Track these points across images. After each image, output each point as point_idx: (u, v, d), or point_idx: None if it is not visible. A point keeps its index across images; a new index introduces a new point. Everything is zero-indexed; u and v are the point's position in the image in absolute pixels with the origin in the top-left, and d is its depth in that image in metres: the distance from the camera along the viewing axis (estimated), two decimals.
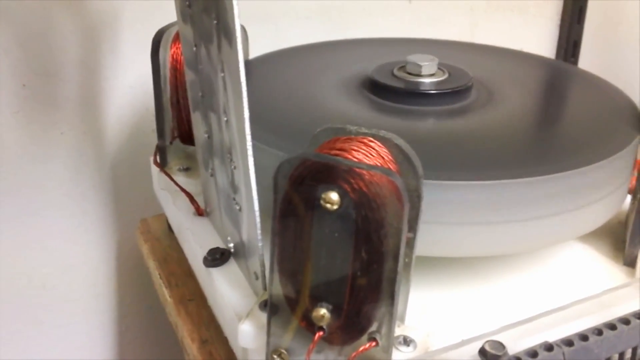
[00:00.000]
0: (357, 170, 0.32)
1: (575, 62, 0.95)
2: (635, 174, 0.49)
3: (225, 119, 0.40)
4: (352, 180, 0.32)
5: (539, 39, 0.94)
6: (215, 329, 0.49)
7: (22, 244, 0.70)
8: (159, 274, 0.57)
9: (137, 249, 0.67)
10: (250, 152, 0.37)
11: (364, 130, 0.35)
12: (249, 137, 0.37)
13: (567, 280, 0.44)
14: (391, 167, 0.35)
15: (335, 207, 0.32)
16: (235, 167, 0.41)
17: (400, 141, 0.35)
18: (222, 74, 0.39)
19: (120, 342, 0.80)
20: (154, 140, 0.57)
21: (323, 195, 0.32)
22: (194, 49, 0.43)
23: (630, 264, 0.46)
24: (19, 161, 0.67)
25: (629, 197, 0.49)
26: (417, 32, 0.82)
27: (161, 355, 0.82)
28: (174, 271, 0.57)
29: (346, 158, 0.34)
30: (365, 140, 0.35)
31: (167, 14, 0.53)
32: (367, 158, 0.34)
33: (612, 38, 0.93)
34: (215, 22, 0.38)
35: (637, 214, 0.45)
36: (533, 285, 0.44)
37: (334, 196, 0.32)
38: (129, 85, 0.70)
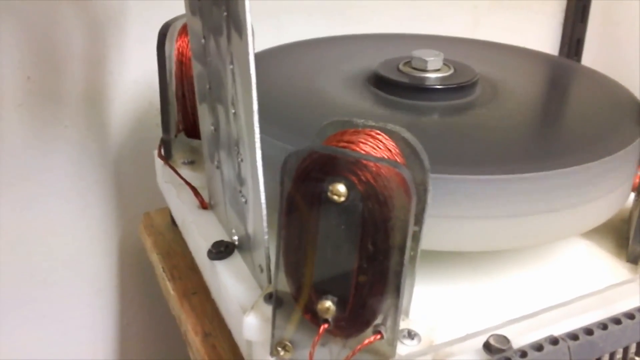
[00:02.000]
0: (365, 162, 0.32)
1: (579, 61, 0.95)
2: (639, 172, 0.49)
3: (233, 111, 0.40)
4: (360, 172, 0.32)
5: (542, 37, 0.94)
6: (219, 322, 0.49)
7: (24, 238, 0.70)
8: (162, 267, 0.57)
9: (140, 243, 0.67)
10: (258, 144, 0.37)
11: (371, 123, 0.36)
12: (257, 129, 0.37)
13: (570, 276, 0.45)
14: (398, 160, 0.35)
15: (342, 199, 0.32)
16: (242, 160, 0.41)
17: (407, 134, 0.35)
18: (231, 66, 0.39)
19: (123, 336, 0.80)
20: (157, 134, 0.58)
21: (330, 187, 0.32)
22: (203, 41, 0.43)
23: (633, 260, 0.46)
24: (22, 154, 0.67)
25: (632, 195, 0.49)
26: (419, 29, 0.82)
27: (163, 350, 0.82)
28: (177, 264, 0.57)
29: (353, 150, 0.34)
30: (372, 133, 0.35)
31: (172, 8, 0.54)
32: (374, 151, 0.34)
33: (616, 37, 0.93)
34: (225, 14, 0.38)
35: None
36: (537, 280, 0.44)
37: (341, 188, 0.32)
38: (132, 80, 0.69)
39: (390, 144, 0.35)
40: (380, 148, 0.35)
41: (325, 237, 0.33)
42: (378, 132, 0.35)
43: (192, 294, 0.53)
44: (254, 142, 0.37)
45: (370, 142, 0.35)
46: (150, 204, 0.69)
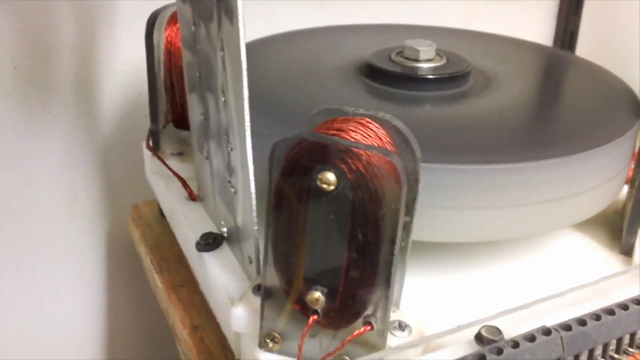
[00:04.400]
0: (355, 150, 0.31)
1: (572, 53, 0.95)
2: (632, 165, 0.48)
3: (223, 99, 0.40)
4: (350, 161, 0.31)
5: (536, 29, 0.94)
6: (207, 315, 0.48)
7: (11, 230, 0.69)
8: (150, 260, 0.56)
9: (128, 236, 0.66)
10: (248, 132, 0.37)
11: (361, 111, 0.35)
12: (247, 117, 0.36)
13: (564, 267, 0.44)
14: (389, 148, 0.34)
15: (331, 187, 0.32)
16: (231, 149, 0.40)
17: (398, 123, 0.35)
18: (222, 53, 0.38)
19: (110, 329, 0.79)
20: (146, 125, 0.57)
21: (319, 176, 0.32)
22: (193, 28, 0.42)
23: (627, 252, 0.46)
24: (8, 144, 0.66)
25: (626, 187, 0.49)
26: (413, 20, 0.81)
27: (151, 343, 0.82)
28: (166, 257, 0.56)
29: (343, 138, 0.33)
30: (362, 121, 0.35)
31: None
32: (364, 139, 0.34)
33: (610, 30, 0.93)
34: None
35: (635, 202, 0.44)
36: (529, 272, 0.44)
37: (330, 176, 0.31)
38: (121, 70, 0.69)
39: (381, 132, 0.35)
40: (370, 136, 0.34)
41: (315, 227, 0.33)
42: (369, 120, 0.35)
43: (180, 287, 0.52)
44: (244, 130, 0.37)
45: (361, 130, 0.34)
46: (139, 195, 0.68)
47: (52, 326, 0.75)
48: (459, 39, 0.64)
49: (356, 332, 0.34)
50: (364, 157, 0.31)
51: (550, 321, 0.35)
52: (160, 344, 0.81)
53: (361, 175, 0.31)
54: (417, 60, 0.51)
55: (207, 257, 0.44)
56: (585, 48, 0.94)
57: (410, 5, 0.83)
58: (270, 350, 0.36)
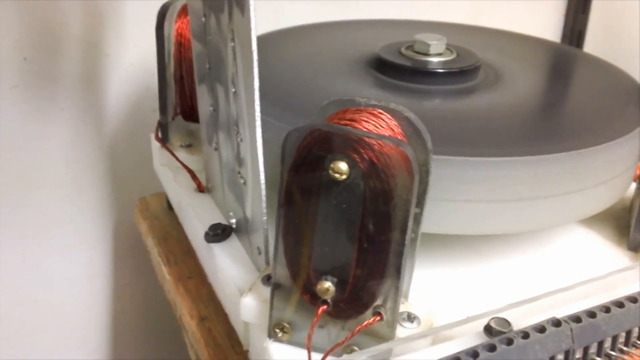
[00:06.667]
0: (367, 140, 0.31)
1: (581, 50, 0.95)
2: None
3: (233, 90, 0.40)
4: (362, 150, 0.31)
5: (544, 28, 0.94)
6: (215, 307, 0.48)
7: (17, 222, 0.69)
8: (158, 252, 0.56)
9: (134, 229, 0.66)
10: (258, 122, 0.37)
11: (373, 102, 0.35)
12: (257, 107, 0.36)
13: (572, 262, 0.44)
14: (401, 139, 0.34)
15: (343, 177, 0.32)
16: (241, 140, 0.40)
17: (410, 114, 0.35)
18: (232, 44, 0.38)
19: (116, 322, 0.79)
20: (154, 119, 0.57)
21: (331, 165, 0.32)
22: (203, 19, 0.43)
23: (634, 248, 0.46)
24: (16, 136, 0.66)
25: (634, 184, 0.49)
26: (419, 18, 0.81)
27: (158, 336, 0.82)
28: (173, 249, 0.56)
29: (356, 128, 0.33)
30: (375, 112, 0.35)
31: None
32: (376, 129, 0.34)
33: (617, 28, 0.92)
34: None
35: None
36: (538, 266, 0.44)
37: (342, 166, 0.32)
38: (130, 63, 0.69)
39: (393, 123, 0.35)
40: (382, 127, 0.34)
41: (326, 217, 0.33)
42: (381, 111, 0.35)
43: (187, 278, 0.52)
44: (254, 121, 0.37)
45: (373, 120, 0.34)
46: (146, 189, 0.68)
47: (57, 318, 0.75)
48: (468, 34, 0.64)
49: (365, 323, 0.34)
50: (376, 147, 0.31)
51: (558, 314, 0.35)
52: (166, 336, 0.81)
53: (373, 164, 0.31)
54: (427, 55, 0.51)
55: (216, 248, 0.44)
56: (592, 46, 0.94)
57: (418, 3, 0.83)
58: (279, 340, 0.36)
